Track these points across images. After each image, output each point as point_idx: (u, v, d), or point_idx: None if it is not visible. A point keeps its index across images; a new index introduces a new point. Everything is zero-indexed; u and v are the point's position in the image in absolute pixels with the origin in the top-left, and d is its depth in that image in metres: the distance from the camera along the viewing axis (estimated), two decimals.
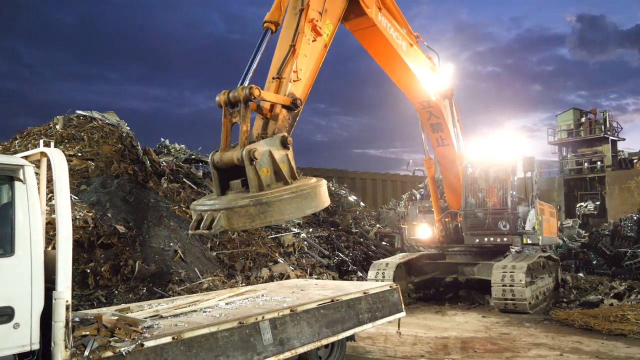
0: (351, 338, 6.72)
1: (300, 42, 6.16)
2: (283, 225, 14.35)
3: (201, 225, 5.01)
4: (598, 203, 29.49)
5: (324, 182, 5.56)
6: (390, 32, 8.65)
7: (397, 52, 8.95)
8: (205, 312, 5.24)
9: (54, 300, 3.46)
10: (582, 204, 29.76)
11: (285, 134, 5.59)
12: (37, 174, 3.90)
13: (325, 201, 5.49)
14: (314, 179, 5.60)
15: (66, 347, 3.42)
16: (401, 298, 7.32)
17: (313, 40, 6.41)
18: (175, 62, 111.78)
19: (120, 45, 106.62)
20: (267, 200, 4.94)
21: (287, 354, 5.11)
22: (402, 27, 9.07)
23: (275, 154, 5.35)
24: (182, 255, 10.61)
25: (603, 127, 31.77)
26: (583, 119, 33.16)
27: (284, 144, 5.50)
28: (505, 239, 11.48)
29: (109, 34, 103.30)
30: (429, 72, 10.35)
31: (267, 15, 6.24)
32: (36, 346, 3.45)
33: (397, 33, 8.88)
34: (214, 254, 11.72)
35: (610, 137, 31.66)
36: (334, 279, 12.53)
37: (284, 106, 5.80)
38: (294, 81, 5.99)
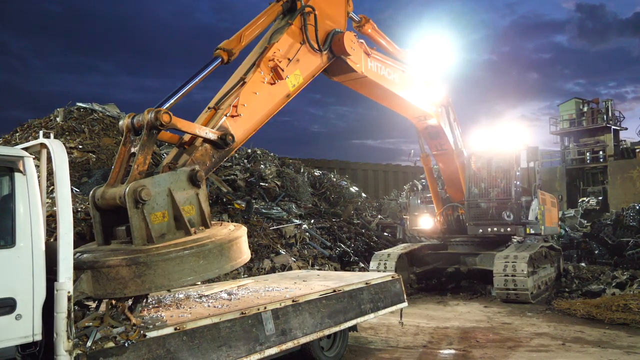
0: (353, 328, 6.74)
1: (252, 76, 5.48)
2: (285, 217, 14.34)
3: None
4: (600, 198, 29.40)
5: (241, 232, 4.44)
6: (381, 72, 8.01)
7: (390, 89, 8.35)
8: (207, 302, 5.25)
9: (55, 292, 3.46)
10: (585, 199, 29.69)
11: (197, 167, 4.46)
12: (37, 166, 3.88)
13: (239, 259, 4.29)
14: (228, 228, 4.47)
15: (68, 337, 3.43)
16: (403, 288, 7.34)
17: (271, 83, 5.70)
18: (166, 52, 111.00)
19: (110, 34, 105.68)
20: (145, 259, 3.75)
21: (290, 344, 5.13)
22: (391, 56, 8.43)
23: (177, 194, 4.22)
24: None
25: (605, 116, 31.65)
26: (585, 109, 33.02)
27: (193, 181, 4.36)
28: (509, 229, 11.48)
29: (98, 23, 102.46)
30: (424, 89, 9.72)
31: (223, 43, 5.49)
32: (38, 337, 3.46)
33: (388, 69, 8.19)
34: None
35: (613, 127, 31.54)
36: (335, 269, 12.54)
37: (208, 141, 4.80)
38: (232, 116, 5.12)
